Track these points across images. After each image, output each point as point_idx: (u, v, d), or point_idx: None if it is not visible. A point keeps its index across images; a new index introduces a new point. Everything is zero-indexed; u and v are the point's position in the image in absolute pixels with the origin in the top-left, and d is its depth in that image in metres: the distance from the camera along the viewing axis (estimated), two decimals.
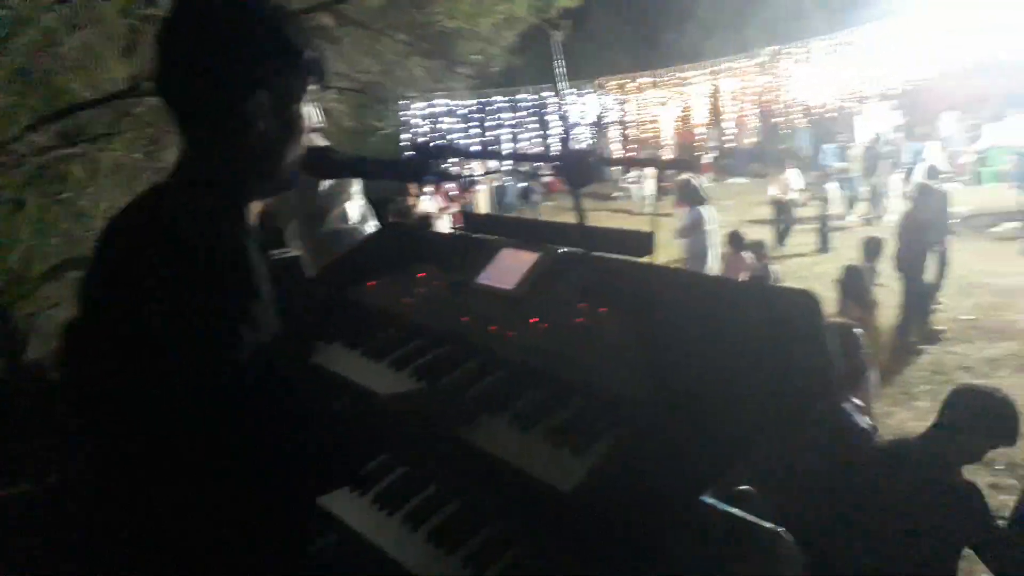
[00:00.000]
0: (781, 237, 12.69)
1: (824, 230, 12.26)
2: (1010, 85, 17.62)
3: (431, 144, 1.51)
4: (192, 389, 1.02)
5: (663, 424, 1.15)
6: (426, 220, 11.25)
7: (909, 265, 7.65)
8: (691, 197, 7.81)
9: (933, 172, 10.88)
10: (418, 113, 14.47)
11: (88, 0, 5.03)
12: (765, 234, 11.54)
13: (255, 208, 1.27)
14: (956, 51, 14.19)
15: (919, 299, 7.68)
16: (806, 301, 1.19)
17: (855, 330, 3.01)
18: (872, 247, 7.55)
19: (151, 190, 1.21)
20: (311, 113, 1.27)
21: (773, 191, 13.10)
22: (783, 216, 12.90)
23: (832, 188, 13.58)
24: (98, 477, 1.22)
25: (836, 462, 2.66)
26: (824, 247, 12.10)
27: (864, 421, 2.84)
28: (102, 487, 1.22)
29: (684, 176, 8.29)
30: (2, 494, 2.81)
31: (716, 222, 7.99)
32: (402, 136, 14.28)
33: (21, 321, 6.56)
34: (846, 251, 10.92)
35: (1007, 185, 14.85)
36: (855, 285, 6.40)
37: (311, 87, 1.23)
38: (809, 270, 10.80)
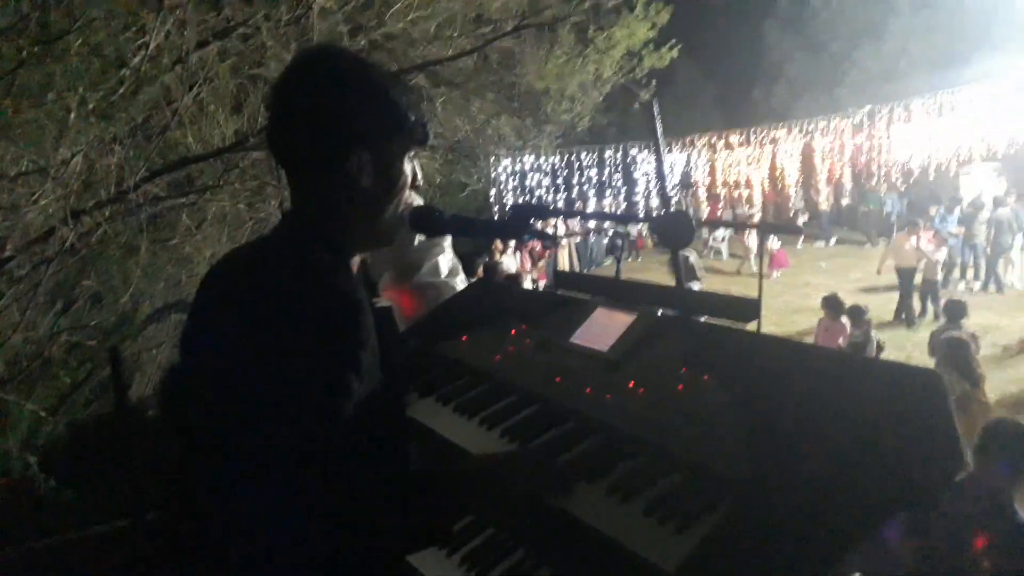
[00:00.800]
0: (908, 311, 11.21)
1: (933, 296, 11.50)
2: None
3: (529, 203, 1.51)
4: (294, 441, 1.02)
5: (774, 504, 1.08)
6: (515, 279, 11.36)
7: None
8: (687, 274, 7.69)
9: None
10: (506, 170, 14.75)
11: (203, 61, 5.37)
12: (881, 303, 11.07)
13: (356, 260, 1.29)
14: None
15: None
16: (932, 380, 1.11)
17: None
18: (956, 310, 7.10)
19: (256, 241, 1.25)
20: (415, 172, 1.30)
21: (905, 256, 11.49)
22: (920, 286, 11.33)
23: (942, 253, 12.74)
24: (188, 521, 1.24)
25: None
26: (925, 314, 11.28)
27: None
28: (191, 531, 1.23)
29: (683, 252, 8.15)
30: (102, 530, 2.91)
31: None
32: (491, 192, 14.55)
33: (128, 361, 6.90)
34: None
35: None
36: (961, 357, 5.98)
37: (414, 148, 1.26)
38: (909, 339, 10.27)
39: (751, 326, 1.47)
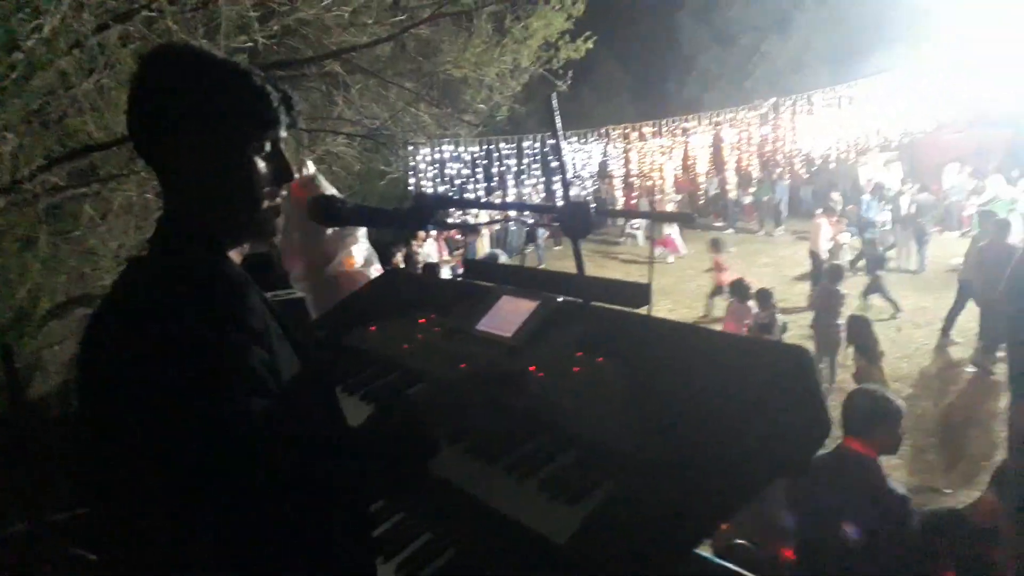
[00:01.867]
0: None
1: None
2: (1011, 136, 17.89)
3: (433, 193, 1.55)
4: (198, 445, 1.01)
5: (657, 477, 1.16)
6: (433, 268, 11.34)
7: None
8: None
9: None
10: (425, 158, 14.65)
11: (103, 46, 5.15)
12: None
13: (235, 254, 1.29)
14: (955, 104, 14.42)
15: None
16: (800, 356, 1.21)
17: (897, 402, 3.00)
18: (835, 273, 7.59)
19: (133, 261, 1.24)
20: (305, 166, 1.31)
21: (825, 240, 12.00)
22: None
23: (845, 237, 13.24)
24: (100, 520, 1.22)
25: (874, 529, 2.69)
26: None
27: (900, 488, 2.86)
28: (105, 531, 1.22)
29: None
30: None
31: None
32: (410, 180, 14.44)
33: (27, 357, 6.58)
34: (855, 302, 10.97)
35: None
36: (861, 335, 6.29)
37: (276, 135, 1.26)
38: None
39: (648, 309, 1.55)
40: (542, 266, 15.98)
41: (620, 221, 18.70)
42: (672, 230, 16.76)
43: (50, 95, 5.44)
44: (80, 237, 6.72)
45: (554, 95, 1.37)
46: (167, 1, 5.07)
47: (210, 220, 1.23)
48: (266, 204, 1.26)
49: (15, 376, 5.63)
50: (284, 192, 1.33)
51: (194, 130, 1.18)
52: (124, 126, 1.25)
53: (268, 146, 1.24)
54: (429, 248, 14.44)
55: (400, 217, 1.43)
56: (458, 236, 15.10)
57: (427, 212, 1.44)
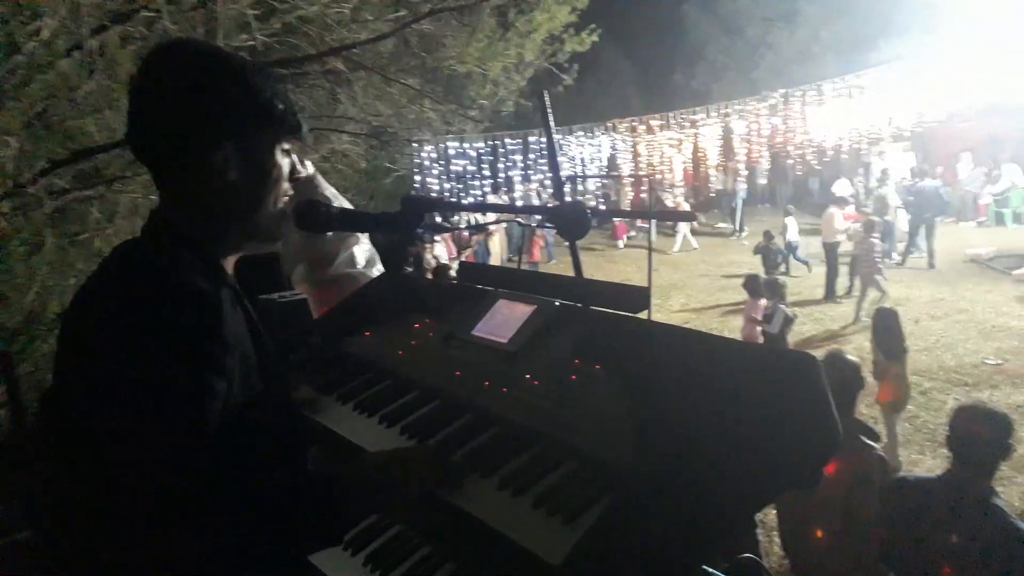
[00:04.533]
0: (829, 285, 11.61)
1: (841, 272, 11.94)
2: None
3: (423, 196, 1.50)
4: (166, 451, 0.99)
5: (658, 492, 1.10)
6: (444, 269, 11.29)
7: None
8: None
9: None
10: (430, 155, 14.60)
11: (103, 47, 5.12)
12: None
13: (231, 260, 1.25)
14: (967, 93, 14.22)
15: None
16: (807, 363, 1.15)
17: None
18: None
19: (119, 248, 1.19)
20: (303, 166, 1.26)
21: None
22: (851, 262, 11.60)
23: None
24: (67, 532, 1.18)
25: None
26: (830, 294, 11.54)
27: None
28: (72, 543, 1.18)
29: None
30: None
31: None
32: (415, 177, 14.40)
33: (37, 361, 6.59)
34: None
35: None
36: (888, 328, 5.95)
37: (285, 138, 1.22)
38: (827, 313, 10.69)
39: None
40: (552, 262, 15.91)
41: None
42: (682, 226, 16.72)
43: (51, 98, 5.42)
44: (87, 240, 6.72)
45: (545, 92, 1.32)
46: (165, 1, 5.03)
47: (214, 222, 1.19)
48: (281, 205, 1.23)
49: (16, 386, 5.62)
50: (291, 192, 1.29)
51: (220, 135, 1.15)
52: (125, 127, 1.21)
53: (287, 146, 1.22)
54: (439, 249, 14.38)
55: (388, 221, 1.38)
56: (465, 234, 15.02)
57: (416, 216, 1.39)
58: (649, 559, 1.07)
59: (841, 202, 12.76)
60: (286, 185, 1.24)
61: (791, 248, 13.30)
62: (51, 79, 5.05)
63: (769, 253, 12.39)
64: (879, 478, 3.06)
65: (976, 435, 2.72)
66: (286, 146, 1.23)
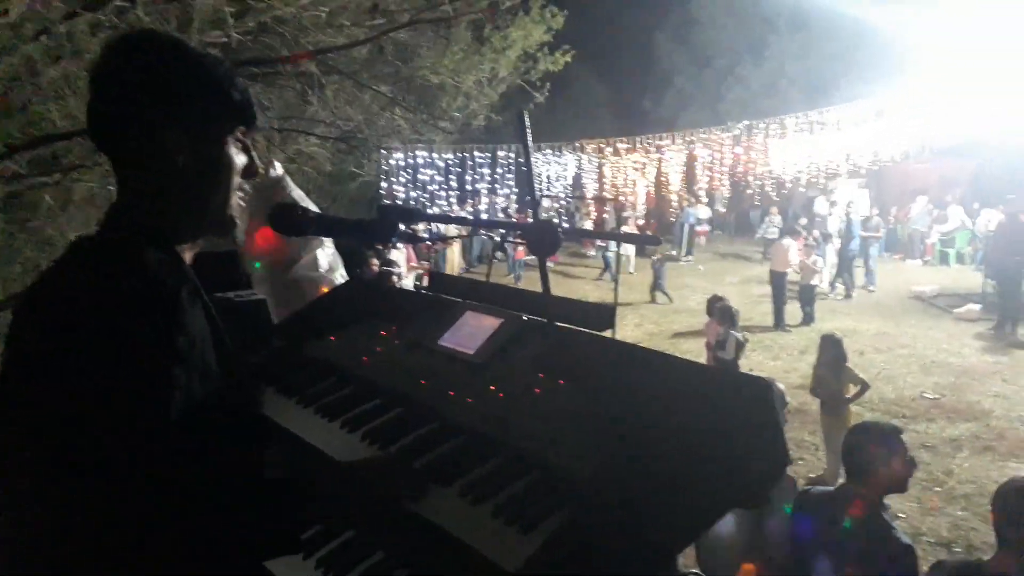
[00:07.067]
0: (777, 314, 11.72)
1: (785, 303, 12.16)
2: (974, 168, 18.40)
3: (397, 205, 1.52)
4: (121, 447, 0.98)
5: (614, 505, 1.14)
6: (386, 276, 11.19)
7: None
8: None
9: None
10: (398, 163, 14.57)
11: (71, 34, 5.03)
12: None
13: (187, 251, 1.25)
14: (924, 135, 14.77)
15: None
16: (760, 387, 1.20)
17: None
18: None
19: (80, 242, 1.19)
20: (272, 167, 1.27)
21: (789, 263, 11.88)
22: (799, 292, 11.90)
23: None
24: (18, 528, 1.16)
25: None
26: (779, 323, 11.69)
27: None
28: (24, 538, 1.16)
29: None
30: None
31: None
32: (382, 184, 14.35)
33: None
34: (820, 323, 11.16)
35: (972, 267, 15.42)
36: (830, 357, 6.23)
37: (239, 129, 1.23)
38: (776, 341, 10.93)
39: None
40: (519, 283, 15.96)
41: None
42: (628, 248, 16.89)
43: (14, 81, 5.30)
44: (37, 226, 6.54)
45: (525, 112, 1.35)
46: None
47: (166, 211, 1.19)
48: (234, 199, 1.24)
49: None
50: (248, 188, 1.30)
51: (171, 120, 1.15)
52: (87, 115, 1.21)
53: (241, 139, 1.23)
54: (397, 255, 14.29)
55: (363, 228, 1.40)
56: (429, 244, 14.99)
57: (392, 224, 1.41)
58: (604, 569, 1.10)
59: (795, 233, 12.98)
60: (239, 180, 1.24)
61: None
62: (15, 62, 4.94)
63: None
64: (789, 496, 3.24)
65: (864, 450, 2.89)
66: (241, 138, 1.23)
